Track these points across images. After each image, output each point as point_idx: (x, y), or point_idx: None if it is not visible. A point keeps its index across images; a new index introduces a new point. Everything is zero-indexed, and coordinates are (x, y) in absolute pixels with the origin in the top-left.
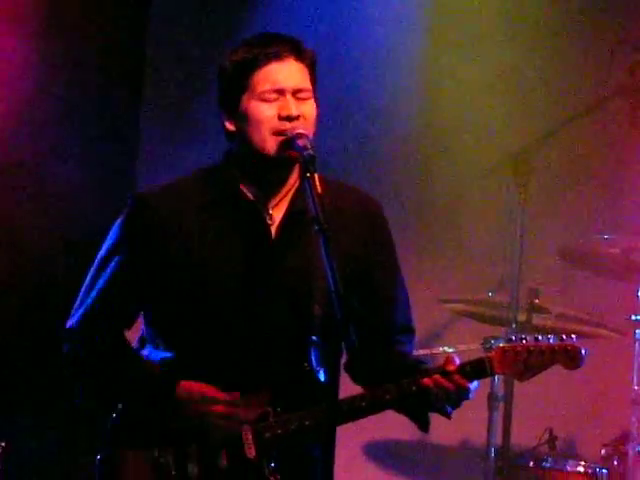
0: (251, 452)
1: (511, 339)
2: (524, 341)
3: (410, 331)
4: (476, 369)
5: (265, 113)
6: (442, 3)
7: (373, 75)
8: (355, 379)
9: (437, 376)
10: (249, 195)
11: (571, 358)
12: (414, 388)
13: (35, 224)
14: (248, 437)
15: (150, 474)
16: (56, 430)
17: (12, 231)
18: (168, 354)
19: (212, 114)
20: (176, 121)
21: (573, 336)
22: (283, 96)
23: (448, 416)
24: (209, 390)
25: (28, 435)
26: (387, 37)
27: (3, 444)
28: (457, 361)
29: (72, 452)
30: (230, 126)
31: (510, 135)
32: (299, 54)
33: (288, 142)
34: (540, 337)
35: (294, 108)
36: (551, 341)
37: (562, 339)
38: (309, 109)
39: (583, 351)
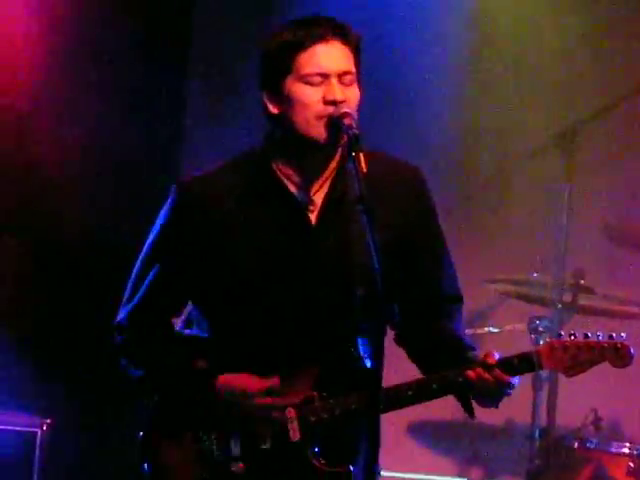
0: (295, 435)
1: (560, 334)
2: (573, 337)
3: (458, 300)
4: (524, 363)
5: (310, 97)
6: None
7: (414, 52)
8: (407, 353)
9: (480, 369)
10: (289, 181)
11: (620, 357)
12: (460, 379)
13: (79, 206)
14: (293, 420)
15: (191, 455)
16: (101, 409)
17: (56, 212)
18: (214, 337)
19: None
20: (222, 101)
21: (623, 334)
22: (328, 80)
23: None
24: (249, 382)
25: (73, 413)
26: (432, 17)
27: (48, 421)
28: (496, 355)
29: (116, 432)
30: (273, 109)
31: (557, 114)
32: (345, 37)
33: (333, 122)
34: (589, 334)
35: (339, 92)
36: (600, 338)
37: (611, 337)
38: (353, 93)
39: (632, 350)
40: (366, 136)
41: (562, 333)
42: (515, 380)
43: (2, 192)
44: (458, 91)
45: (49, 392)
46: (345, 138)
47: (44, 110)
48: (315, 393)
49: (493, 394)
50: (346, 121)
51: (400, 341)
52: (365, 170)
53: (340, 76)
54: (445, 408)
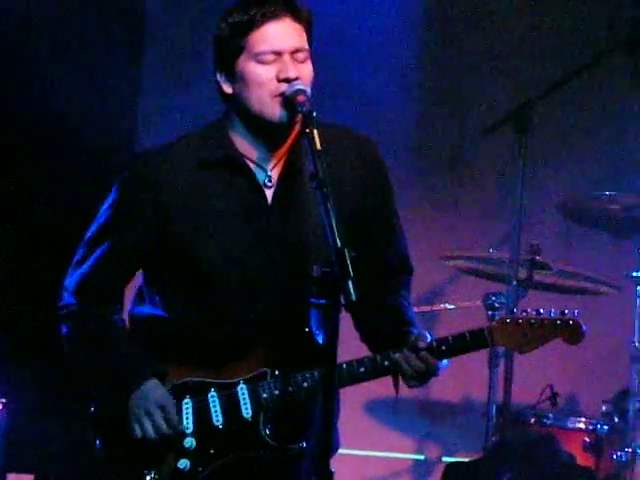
0: (248, 411)
1: (513, 311)
2: (525, 313)
3: (408, 272)
4: (476, 339)
5: (263, 75)
6: None
7: (370, 18)
8: (355, 325)
9: (407, 353)
10: (247, 157)
11: (572, 333)
12: (386, 363)
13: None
14: (245, 396)
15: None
16: (55, 385)
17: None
18: (165, 313)
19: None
20: (175, 79)
21: (575, 311)
22: (281, 58)
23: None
24: (165, 403)
25: (28, 391)
26: None
27: (3, 400)
28: (428, 337)
29: (73, 409)
30: (227, 88)
31: (512, 90)
32: (296, 14)
33: (287, 100)
34: (542, 310)
35: (292, 70)
36: (552, 315)
37: (564, 313)
38: (307, 70)
39: (584, 326)
40: (319, 110)
41: (515, 309)
42: (443, 363)
43: None
44: (413, 63)
45: (6, 371)
46: (299, 116)
47: None
48: (267, 369)
49: (420, 376)
50: (299, 98)
51: (356, 326)
52: (319, 147)
53: (293, 53)
54: (402, 385)
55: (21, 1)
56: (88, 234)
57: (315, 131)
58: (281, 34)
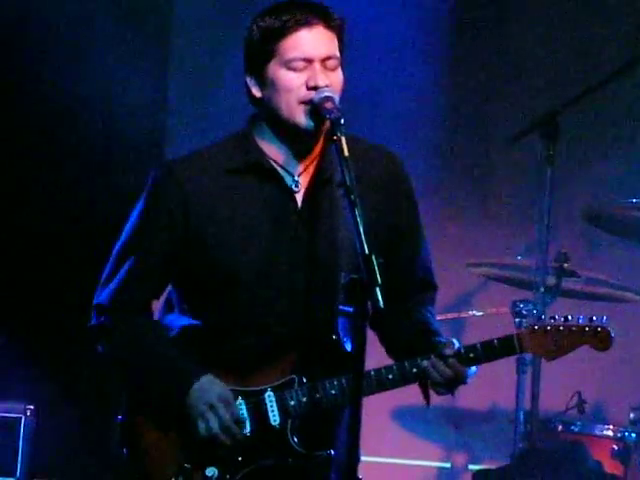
0: (275, 418)
1: (541, 317)
2: (554, 320)
3: (432, 288)
4: (505, 346)
5: (293, 82)
6: None
7: (396, 36)
8: (378, 337)
9: (434, 360)
10: (275, 162)
11: (600, 340)
12: (414, 370)
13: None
14: (272, 403)
15: (171, 439)
16: (84, 393)
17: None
18: (194, 321)
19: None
20: (204, 83)
21: (604, 317)
22: (311, 65)
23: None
24: (226, 396)
25: (56, 398)
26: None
27: (32, 407)
28: (456, 345)
29: (99, 416)
30: (256, 92)
31: (539, 98)
32: (328, 21)
33: (315, 106)
34: (570, 317)
35: (322, 78)
36: (581, 321)
37: (592, 320)
38: (337, 78)
39: (612, 333)
40: (348, 120)
41: (543, 316)
42: (472, 370)
43: None
44: (440, 75)
45: (32, 377)
46: (327, 122)
47: None
48: (295, 377)
49: (448, 384)
50: (327, 105)
51: (373, 325)
52: (347, 154)
53: (323, 61)
54: (430, 392)
55: (49, 17)
56: (117, 247)
57: (343, 138)
58: (312, 41)
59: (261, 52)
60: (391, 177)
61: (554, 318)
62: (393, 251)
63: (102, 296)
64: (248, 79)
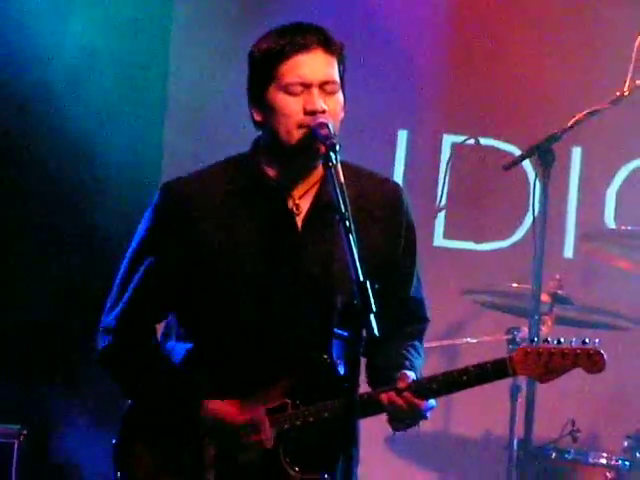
0: (269, 442)
1: (534, 340)
2: (546, 343)
3: (422, 320)
4: (497, 368)
5: (291, 107)
6: None
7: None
8: (366, 367)
9: (391, 393)
10: (276, 185)
11: (593, 362)
12: (372, 402)
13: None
14: (266, 428)
15: (165, 463)
16: (79, 416)
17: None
18: (191, 345)
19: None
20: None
21: (596, 340)
22: (309, 89)
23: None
24: (233, 412)
25: (50, 421)
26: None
27: (25, 432)
28: (410, 378)
29: (94, 439)
30: (257, 115)
31: (532, 126)
32: (327, 46)
33: (310, 133)
34: (563, 340)
35: (319, 103)
36: (573, 344)
37: (585, 343)
38: (335, 102)
39: (605, 356)
40: (343, 147)
41: (535, 339)
42: (430, 404)
43: None
44: (432, 96)
45: (25, 401)
46: (323, 148)
47: None
48: (288, 400)
49: (405, 418)
50: (323, 131)
51: (364, 351)
52: (342, 180)
53: (322, 85)
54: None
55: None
56: (121, 270)
57: (338, 165)
58: (310, 66)
59: (261, 76)
60: (391, 207)
61: (547, 341)
62: (386, 281)
63: (108, 319)
64: (250, 103)
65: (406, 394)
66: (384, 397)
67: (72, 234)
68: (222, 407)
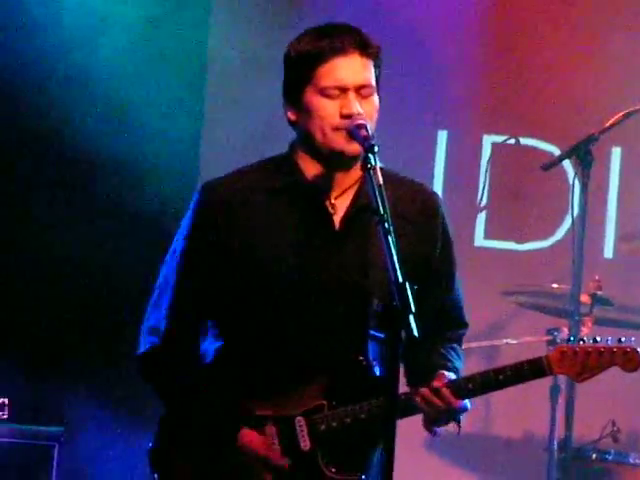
0: (305, 444)
1: (570, 340)
2: (582, 342)
3: (461, 325)
4: (534, 368)
5: (327, 110)
6: None
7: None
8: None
9: (426, 391)
10: (314, 185)
11: (629, 360)
12: (407, 402)
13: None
14: (302, 428)
15: (202, 469)
16: (117, 419)
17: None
18: (227, 347)
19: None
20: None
21: (632, 338)
22: (345, 93)
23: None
24: (261, 449)
25: (89, 424)
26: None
27: (64, 435)
28: (446, 378)
29: (132, 442)
30: (292, 115)
31: (571, 129)
32: (364, 49)
33: (348, 134)
34: (599, 338)
35: (356, 106)
36: (609, 343)
37: (620, 341)
38: (371, 105)
39: None
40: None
41: (572, 339)
42: (464, 405)
43: None
44: (470, 101)
45: (64, 403)
46: (361, 149)
47: None
48: (324, 402)
49: (439, 417)
50: (362, 132)
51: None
52: (381, 182)
53: (358, 89)
54: (463, 420)
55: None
56: (163, 271)
57: (377, 166)
58: (347, 70)
59: (297, 77)
60: (427, 212)
61: (583, 340)
62: (423, 285)
63: (154, 319)
64: (285, 102)
65: (441, 392)
66: (419, 394)
67: (115, 227)
68: (255, 440)
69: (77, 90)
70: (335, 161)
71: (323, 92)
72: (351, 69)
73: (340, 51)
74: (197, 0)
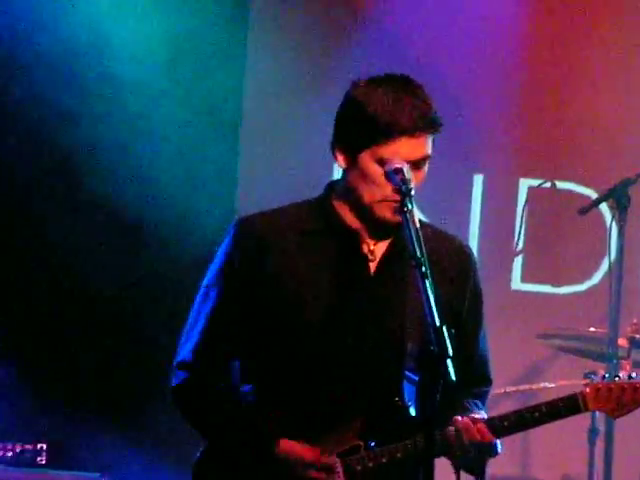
0: None
1: (605, 376)
2: (618, 379)
3: (486, 381)
4: (568, 405)
5: (380, 179)
6: None
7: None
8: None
9: (466, 420)
10: (352, 229)
11: None
12: (439, 438)
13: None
14: (339, 469)
15: None
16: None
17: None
18: (255, 387)
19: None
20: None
21: None
22: None
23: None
24: (307, 453)
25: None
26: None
27: (100, 475)
28: (481, 415)
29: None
30: (341, 162)
31: (605, 170)
32: (433, 129)
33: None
34: (634, 375)
35: (409, 180)
36: None
37: None
38: (422, 174)
39: None
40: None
41: (607, 375)
42: (497, 445)
43: None
44: (511, 142)
45: (105, 446)
46: (399, 195)
47: None
48: (361, 442)
49: (471, 454)
50: (398, 177)
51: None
52: (418, 225)
53: (415, 162)
54: (501, 463)
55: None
56: (196, 304)
57: (414, 210)
58: (411, 149)
59: (356, 136)
60: (461, 266)
61: (618, 376)
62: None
63: (184, 353)
64: (337, 148)
65: (479, 425)
66: (457, 422)
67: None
68: (297, 447)
69: (114, 105)
70: (375, 225)
71: (381, 162)
72: (415, 148)
73: (411, 133)
74: (233, 42)
